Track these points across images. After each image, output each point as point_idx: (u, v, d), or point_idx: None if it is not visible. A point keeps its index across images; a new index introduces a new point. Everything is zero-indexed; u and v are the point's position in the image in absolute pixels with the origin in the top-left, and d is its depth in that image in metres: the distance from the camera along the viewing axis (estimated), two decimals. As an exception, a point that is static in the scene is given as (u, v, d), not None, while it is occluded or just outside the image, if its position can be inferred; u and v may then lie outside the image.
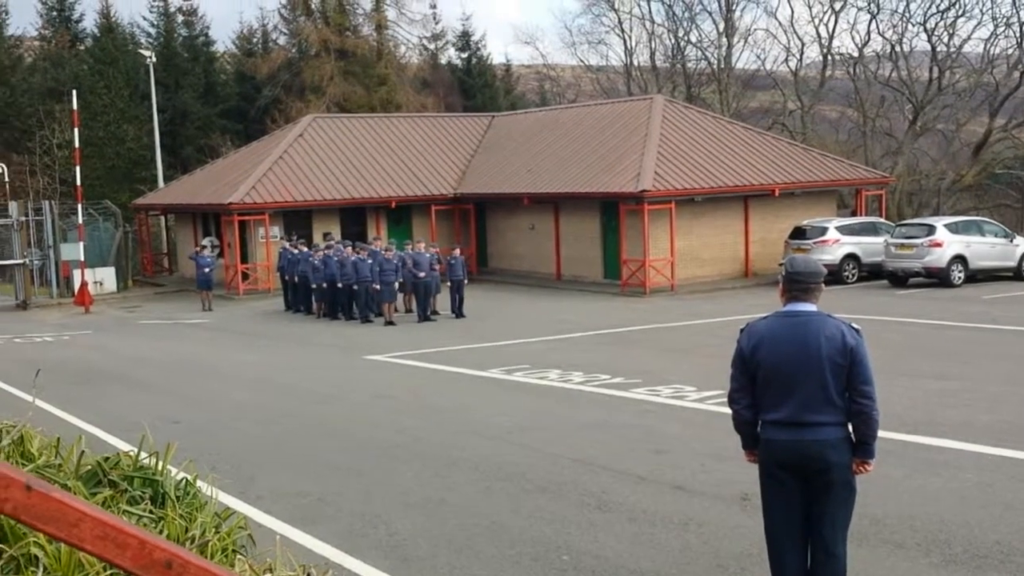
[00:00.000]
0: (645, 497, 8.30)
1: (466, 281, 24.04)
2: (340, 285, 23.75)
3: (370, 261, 23.06)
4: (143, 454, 5.16)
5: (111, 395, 14.79)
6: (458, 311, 23.31)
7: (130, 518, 4.47)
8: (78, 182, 30.22)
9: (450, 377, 15.40)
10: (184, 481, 5.13)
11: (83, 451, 5.07)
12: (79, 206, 30.45)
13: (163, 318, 26.36)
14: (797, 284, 5.32)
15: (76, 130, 30.58)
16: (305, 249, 26.08)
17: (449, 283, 23.52)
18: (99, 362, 18.58)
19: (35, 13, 54.63)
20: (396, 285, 22.98)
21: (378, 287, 22.75)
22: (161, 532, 4.40)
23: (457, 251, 24.37)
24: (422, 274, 22.99)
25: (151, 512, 4.63)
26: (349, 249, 24.16)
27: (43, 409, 12.03)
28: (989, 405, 11.55)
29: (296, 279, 25.65)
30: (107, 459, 5.05)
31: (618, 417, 11.70)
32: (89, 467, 4.98)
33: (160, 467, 5.09)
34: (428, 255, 23.46)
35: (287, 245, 27.14)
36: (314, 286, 24.77)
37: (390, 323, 22.50)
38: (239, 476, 9.31)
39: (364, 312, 23.31)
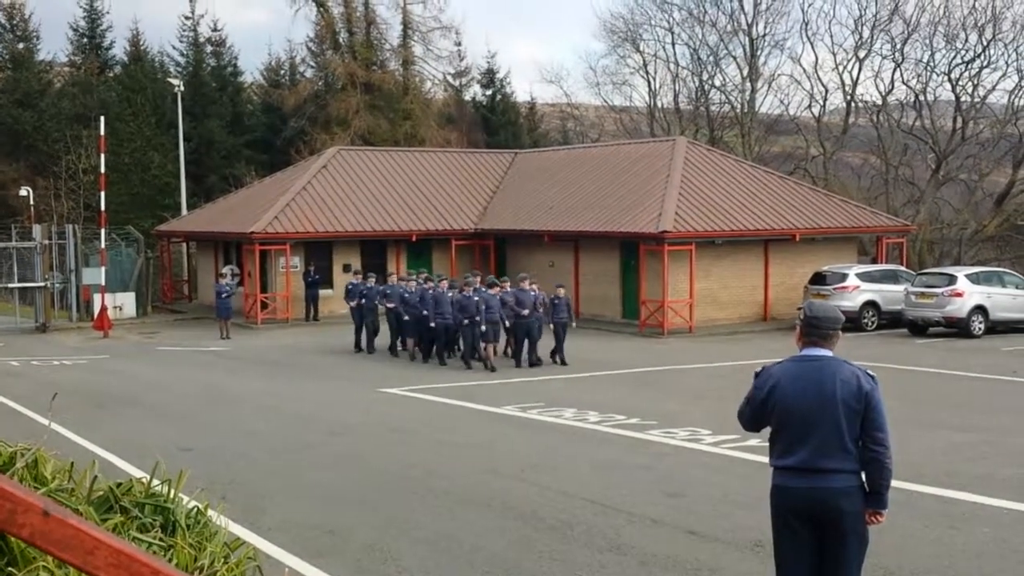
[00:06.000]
0: (658, 540, 8.22)
1: (573, 324, 21.86)
2: (433, 324, 21.50)
3: (476, 298, 20.60)
4: (155, 481, 5.16)
5: (126, 420, 14.82)
6: (560, 357, 21.10)
7: (140, 545, 4.46)
8: (102, 207, 30.51)
9: (464, 413, 15.36)
10: (195, 510, 5.11)
11: (96, 476, 5.07)
12: (102, 231, 30.71)
13: (181, 345, 26.46)
14: (815, 329, 5.31)
15: (102, 156, 30.92)
16: (400, 283, 23.44)
17: (552, 326, 21.14)
18: (115, 387, 18.64)
19: (65, 39, 55.35)
20: (502, 325, 20.80)
21: (484, 328, 20.41)
22: (171, 560, 4.39)
23: (562, 290, 21.81)
24: (525, 312, 20.67)
25: (161, 540, 4.62)
26: (444, 284, 22.22)
27: (58, 433, 12.08)
28: (1009, 459, 11.41)
29: (391, 313, 22.77)
30: (119, 485, 5.05)
31: (632, 458, 11.63)
32: (101, 492, 4.97)
33: (172, 495, 5.08)
34: (533, 293, 21.03)
35: (396, 279, 24.20)
36: (406, 317, 22.15)
37: (492, 368, 20.33)
38: (250, 506, 9.29)
39: (470, 355, 20.94)
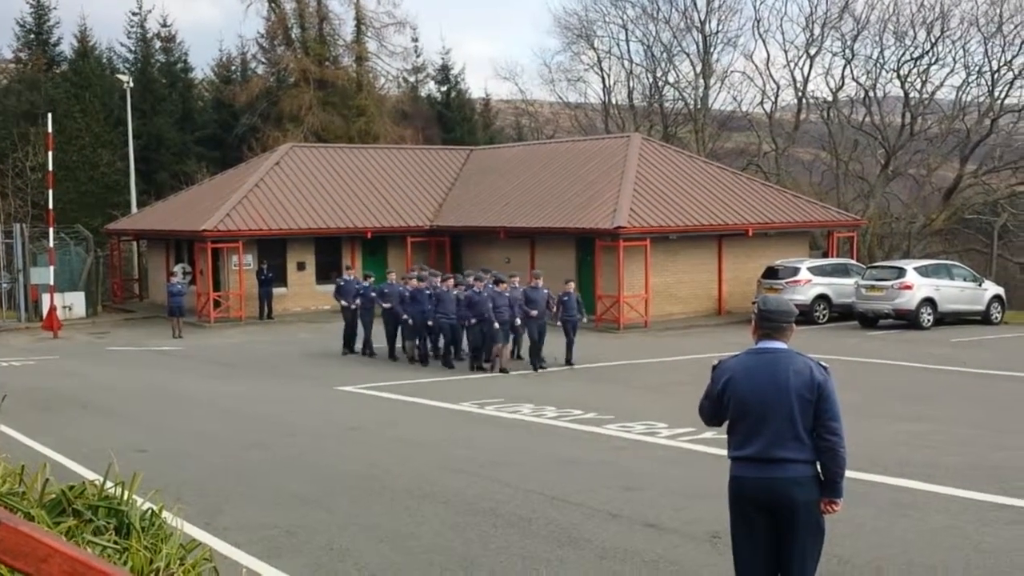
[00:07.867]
0: (616, 534, 8.26)
1: (584, 320, 20.92)
2: (431, 323, 20.32)
3: (485, 295, 19.41)
4: (108, 483, 5.09)
5: (77, 422, 14.59)
6: (568, 358, 20.05)
7: (94, 549, 4.40)
8: (50, 206, 29.99)
9: (422, 410, 15.32)
10: (150, 511, 5.06)
11: (47, 479, 5.00)
12: (50, 230, 30.19)
13: (132, 344, 26.11)
14: (769, 323, 5.40)
15: (50, 153, 30.36)
16: (400, 281, 21.79)
17: (561, 325, 20.11)
18: (66, 388, 18.34)
19: (11, 35, 54.31)
20: (510, 325, 19.72)
21: (497, 325, 19.23)
22: (125, 563, 4.34)
23: (571, 286, 20.77)
24: (534, 312, 19.58)
25: (116, 543, 4.56)
26: (450, 282, 20.87)
27: (7, 435, 11.87)
28: (957, 447, 11.63)
29: (387, 313, 21.48)
30: (72, 488, 4.98)
31: (590, 453, 11.68)
32: (53, 496, 4.90)
33: (126, 497, 5.02)
34: (545, 291, 20.02)
35: (394, 279, 22.19)
36: (406, 318, 20.76)
37: (503, 370, 19.25)
38: (206, 507, 9.19)
39: (478, 357, 19.82)
